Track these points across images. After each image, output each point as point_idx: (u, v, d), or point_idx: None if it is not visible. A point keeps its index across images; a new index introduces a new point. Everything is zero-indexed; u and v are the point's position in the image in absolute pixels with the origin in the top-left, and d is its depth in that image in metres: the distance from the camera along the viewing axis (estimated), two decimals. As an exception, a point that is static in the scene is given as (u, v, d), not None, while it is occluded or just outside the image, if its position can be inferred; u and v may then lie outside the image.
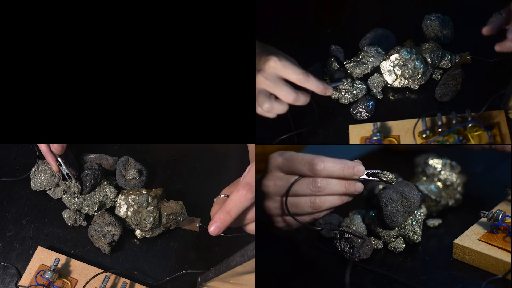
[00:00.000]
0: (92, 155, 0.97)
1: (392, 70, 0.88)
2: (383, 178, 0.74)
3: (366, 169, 0.73)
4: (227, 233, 0.96)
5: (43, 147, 0.89)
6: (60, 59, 0.83)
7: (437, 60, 0.88)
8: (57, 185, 0.92)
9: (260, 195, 0.78)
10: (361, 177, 0.73)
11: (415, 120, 0.84)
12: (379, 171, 0.75)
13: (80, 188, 0.90)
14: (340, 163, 0.72)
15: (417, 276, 0.72)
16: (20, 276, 0.82)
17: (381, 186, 0.91)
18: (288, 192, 0.74)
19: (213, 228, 0.68)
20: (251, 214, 0.71)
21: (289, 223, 0.78)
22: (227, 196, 0.75)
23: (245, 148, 1.06)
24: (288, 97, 0.78)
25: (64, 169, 0.89)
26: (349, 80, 0.89)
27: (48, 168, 0.91)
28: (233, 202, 0.69)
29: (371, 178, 0.74)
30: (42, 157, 0.90)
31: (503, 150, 0.82)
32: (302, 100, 0.79)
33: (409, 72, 0.86)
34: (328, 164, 0.72)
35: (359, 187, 0.74)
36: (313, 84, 0.78)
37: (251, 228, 0.73)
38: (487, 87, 0.83)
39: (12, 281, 0.82)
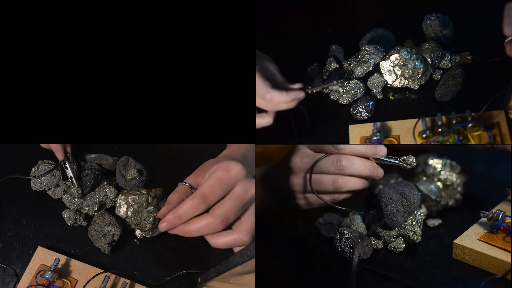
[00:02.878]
0: (92, 155, 0.97)
1: (392, 70, 0.88)
2: (403, 162, 0.75)
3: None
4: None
5: (57, 146, 0.88)
6: (60, 59, 0.83)
7: (437, 60, 0.88)
8: (57, 185, 0.92)
9: (286, 171, 0.79)
10: (383, 158, 0.75)
11: (415, 120, 0.84)
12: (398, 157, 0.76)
13: (80, 193, 0.90)
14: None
15: (417, 276, 0.72)
16: (19, 278, 0.82)
17: (381, 186, 0.91)
18: (313, 168, 0.75)
19: (163, 226, 0.72)
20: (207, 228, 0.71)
21: (310, 202, 0.78)
22: (190, 186, 0.75)
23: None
24: (267, 106, 0.78)
25: (69, 172, 0.90)
26: (340, 80, 0.88)
27: (48, 168, 0.91)
28: (185, 209, 0.71)
29: (391, 160, 0.75)
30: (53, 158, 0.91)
31: (505, 149, 0.82)
32: (283, 106, 0.78)
33: (409, 72, 0.86)
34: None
35: (381, 172, 0.75)
36: (278, 99, 0.76)
37: (213, 242, 0.73)
38: (487, 87, 0.83)
39: (12, 281, 0.82)
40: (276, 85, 0.77)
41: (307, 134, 0.90)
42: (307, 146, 0.77)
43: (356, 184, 0.75)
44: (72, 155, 0.92)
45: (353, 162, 0.74)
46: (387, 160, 0.75)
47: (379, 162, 0.75)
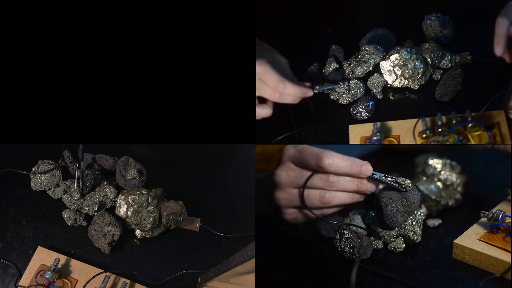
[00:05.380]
0: (92, 155, 0.97)
1: (392, 70, 0.88)
2: (398, 185, 0.74)
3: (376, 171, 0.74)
4: (227, 233, 0.96)
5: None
6: (60, 59, 0.83)
7: (437, 60, 0.87)
8: (57, 185, 0.92)
9: (272, 185, 0.78)
10: (374, 176, 0.73)
11: (415, 120, 0.84)
12: (395, 177, 0.75)
13: (80, 194, 0.90)
14: (349, 160, 0.72)
15: (417, 276, 0.72)
16: (21, 276, 0.82)
17: (381, 186, 0.91)
18: (305, 185, 0.74)
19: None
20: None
21: (296, 216, 0.78)
22: None
23: (245, 148, 1.06)
24: (273, 96, 0.78)
25: (79, 174, 0.90)
26: (346, 83, 0.89)
27: (48, 168, 0.91)
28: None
29: (387, 180, 0.74)
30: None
31: (505, 151, 0.82)
32: (288, 99, 0.79)
33: (409, 72, 0.86)
34: (336, 160, 0.72)
35: (371, 186, 0.74)
36: (291, 90, 0.78)
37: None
38: (487, 87, 0.83)
39: (12, 281, 0.82)
40: (287, 78, 0.78)
41: (311, 124, 0.91)
42: (291, 158, 0.76)
43: (344, 199, 0.74)
44: (72, 155, 0.92)
45: (340, 178, 0.73)
46: (383, 179, 0.74)
47: (372, 179, 0.74)
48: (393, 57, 0.87)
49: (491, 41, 0.79)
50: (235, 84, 0.85)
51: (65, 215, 0.89)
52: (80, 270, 0.84)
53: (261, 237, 0.83)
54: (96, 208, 0.91)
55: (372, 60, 0.90)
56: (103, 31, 0.83)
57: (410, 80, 0.88)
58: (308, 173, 0.74)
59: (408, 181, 0.75)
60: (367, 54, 0.91)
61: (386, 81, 0.90)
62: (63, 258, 0.85)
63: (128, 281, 0.85)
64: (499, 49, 0.75)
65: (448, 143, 0.80)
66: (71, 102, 0.83)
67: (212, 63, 0.85)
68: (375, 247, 0.79)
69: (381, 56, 0.91)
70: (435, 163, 0.91)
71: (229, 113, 0.86)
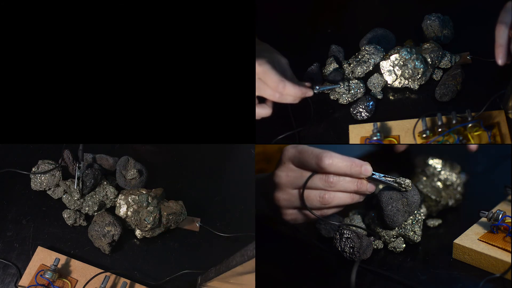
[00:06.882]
0: (92, 155, 0.97)
1: (392, 70, 0.88)
2: (398, 185, 0.74)
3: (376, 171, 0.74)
4: (227, 233, 0.96)
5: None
6: (60, 59, 0.83)
7: (437, 60, 0.88)
8: (57, 185, 0.92)
9: (272, 186, 0.78)
10: (374, 176, 0.73)
11: (415, 120, 0.84)
12: (395, 177, 0.75)
13: (80, 194, 0.90)
14: (348, 161, 0.72)
15: (417, 276, 0.72)
16: (21, 276, 0.82)
17: (381, 186, 0.91)
18: (305, 186, 0.74)
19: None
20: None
21: (296, 217, 0.78)
22: None
23: (245, 148, 1.06)
24: (273, 96, 0.78)
25: (79, 174, 0.90)
26: (346, 83, 0.90)
27: (48, 168, 0.91)
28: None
29: (387, 180, 0.74)
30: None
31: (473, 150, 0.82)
32: (288, 99, 0.79)
33: (409, 72, 0.86)
34: (335, 160, 0.72)
35: (371, 187, 0.74)
36: (291, 90, 0.78)
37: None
38: (487, 87, 0.83)
39: (12, 281, 0.82)
40: (287, 78, 0.78)
41: (311, 124, 0.91)
42: (291, 158, 0.76)
43: (344, 199, 0.74)
44: (72, 155, 0.92)
45: (340, 178, 0.73)
46: (382, 179, 0.74)
47: (372, 179, 0.74)
48: (393, 57, 0.87)
49: (491, 41, 0.79)
50: (235, 84, 0.85)
51: (65, 215, 0.89)
52: (80, 270, 0.84)
53: (261, 237, 0.83)
54: (96, 208, 0.91)
55: (372, 60, 0.90)
56: (102, 30, 0.83)
57: (410, 80, 0.88)
58: (308, 174, 0.74)
59: (408, 181, 0.75)
60: (367, 54, 0.91)
61: (386, 81, 0.90)
62: (63, 258, 0.85)
63: (128, 281, 0.85)
64: (501, 59, 0.76)
65: (448, 143, 0.80)
66: (71, 102, 0.83)
67: (212, 63, 0.85)
68: (375, 247, 0.79)
69: (381, 56, 0.91)
70: (435, 163, 0.91)
71: (229, 113, 0.86)
